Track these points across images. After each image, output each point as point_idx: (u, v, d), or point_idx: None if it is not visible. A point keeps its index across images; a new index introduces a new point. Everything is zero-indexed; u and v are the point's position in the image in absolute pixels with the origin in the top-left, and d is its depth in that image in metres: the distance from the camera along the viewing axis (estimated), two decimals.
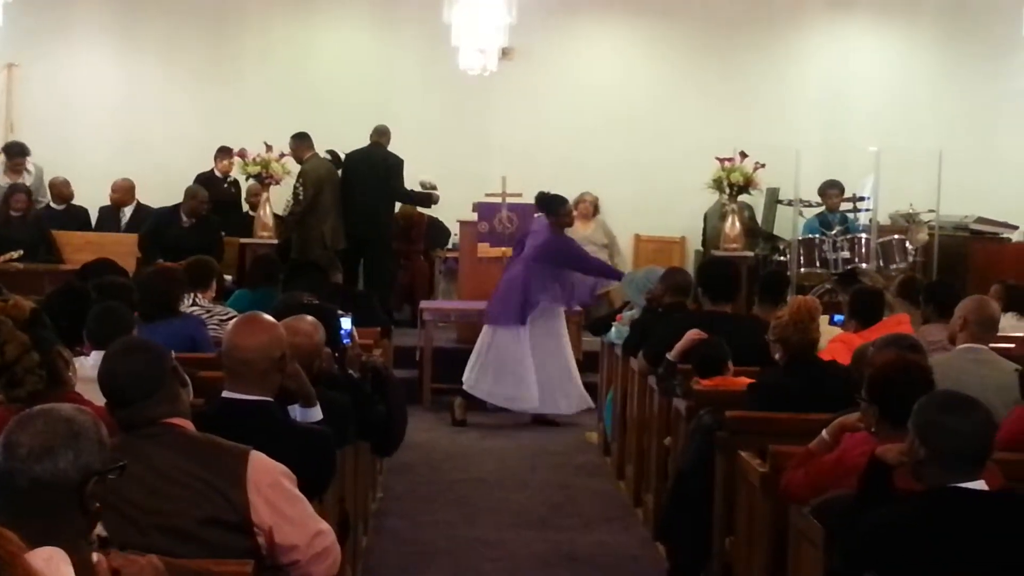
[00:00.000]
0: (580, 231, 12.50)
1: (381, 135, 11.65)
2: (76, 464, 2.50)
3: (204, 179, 11.78)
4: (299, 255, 11.28)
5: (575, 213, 12.49)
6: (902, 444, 3.41)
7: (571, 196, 12.41)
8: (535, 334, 9.33)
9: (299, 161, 11.41)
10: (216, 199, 11.46)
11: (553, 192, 9.66)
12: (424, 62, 12.89)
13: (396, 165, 11.61)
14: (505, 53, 11.98)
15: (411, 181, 11.75)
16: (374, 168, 11.50)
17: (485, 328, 9.50)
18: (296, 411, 4.09)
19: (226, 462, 3.17)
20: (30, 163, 11.94)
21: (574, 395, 9.47)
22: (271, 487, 3.17)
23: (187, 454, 3.17)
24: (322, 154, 11.58)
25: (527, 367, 9.27)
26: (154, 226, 11.14)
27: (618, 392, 8.05)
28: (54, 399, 3.40)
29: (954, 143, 12.07)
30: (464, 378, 9.45)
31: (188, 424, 3.30)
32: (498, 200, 10.92)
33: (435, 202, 12.02)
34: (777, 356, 5.39)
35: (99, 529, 2.64)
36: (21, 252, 10.71)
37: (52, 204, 11.84)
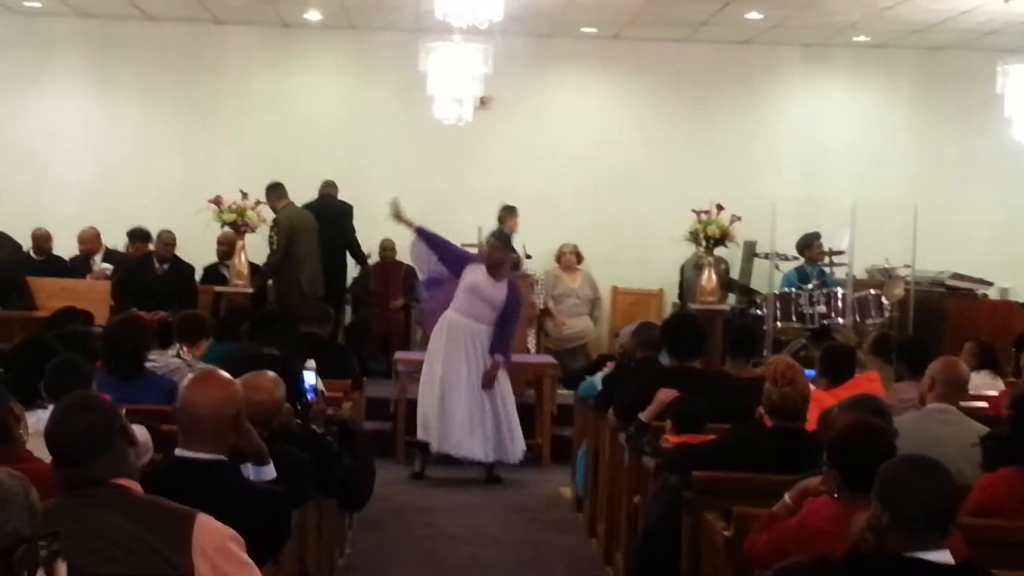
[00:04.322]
0: (567, 283, 12.54)
1: (331, 187, 12.04)
2: (3, 531, 2.42)
3: None
4: (277, 304, 11.27)
5: (558, 265, 12.58)
6: (861, 516, 3.34)
7: (549, 247, 12.52)
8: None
9: (274, 211, 11.41)
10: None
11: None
12: (401, 110, 12.93)
13: (348, 212, 12.01)
14: (483, 103, 12.01)
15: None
16: (327, 217, 11.76)
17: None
18: (249, 469, 4.02)
19: (171, 525, 3.09)
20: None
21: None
22: (217, 551, 3.09)
23: (131, 516, 3.09)
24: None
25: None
26: (127, 273, 11.08)
27: (591, 447, 7.98)
28: (3, 456, 3.31)
29: (929, 199, 12.14)
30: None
31: (135, 485, 3.22)
32: (474, 250, 10.87)
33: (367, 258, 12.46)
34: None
35: None
36: None
37: (32, 255, 11.74)
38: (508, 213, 12.07)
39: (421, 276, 9.63)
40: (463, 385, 9.04)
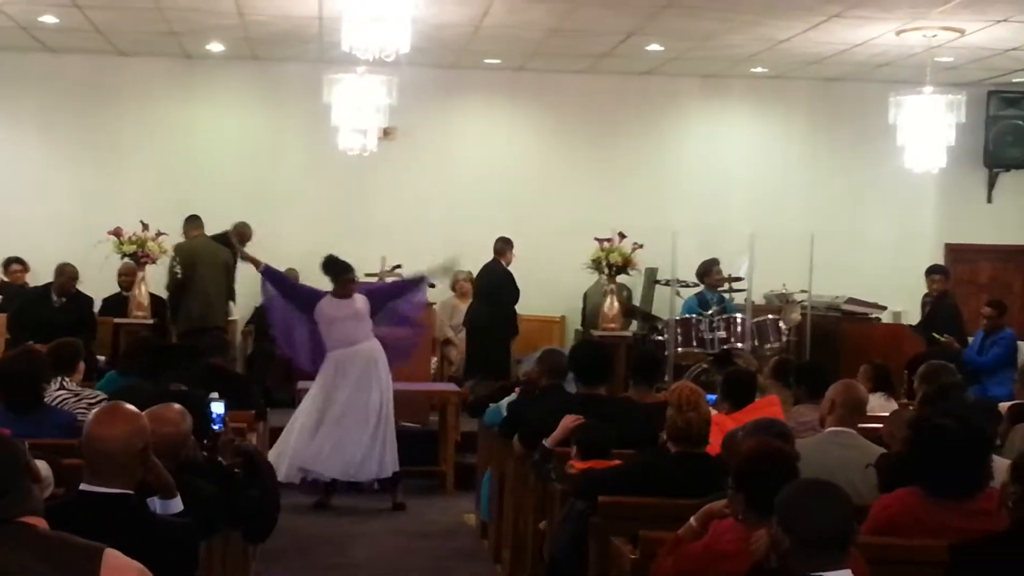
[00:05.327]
0: (461, 309, 12.52)
1: (239, 226, 11.60)
2: None
3: None
4: (179, 332, 11.16)
5: (453, 294, 12.61)
6: (764, 532, 3.42)
7: (452, 275, 12.51)
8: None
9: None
10: None
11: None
12: (306, 141, 12.90)
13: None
14: (387, 133, 12.01)
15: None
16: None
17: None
18: (156, 503, 3.98)
19: (79, 561, 3.04)
20: None
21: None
22: None
23: (39, 554, 3.04)
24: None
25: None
26: (22, 305, 10.87)
27: (496, 474, 7.99)
28: None
29: (825, 226, 12.43)
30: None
31: (41, 522, 3.17)
32: (376, 279, 10.88)
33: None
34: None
35: None
36: None
37: None
38: (506, 245, 12.06)
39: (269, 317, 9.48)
40: (367, 412, 9.00)
